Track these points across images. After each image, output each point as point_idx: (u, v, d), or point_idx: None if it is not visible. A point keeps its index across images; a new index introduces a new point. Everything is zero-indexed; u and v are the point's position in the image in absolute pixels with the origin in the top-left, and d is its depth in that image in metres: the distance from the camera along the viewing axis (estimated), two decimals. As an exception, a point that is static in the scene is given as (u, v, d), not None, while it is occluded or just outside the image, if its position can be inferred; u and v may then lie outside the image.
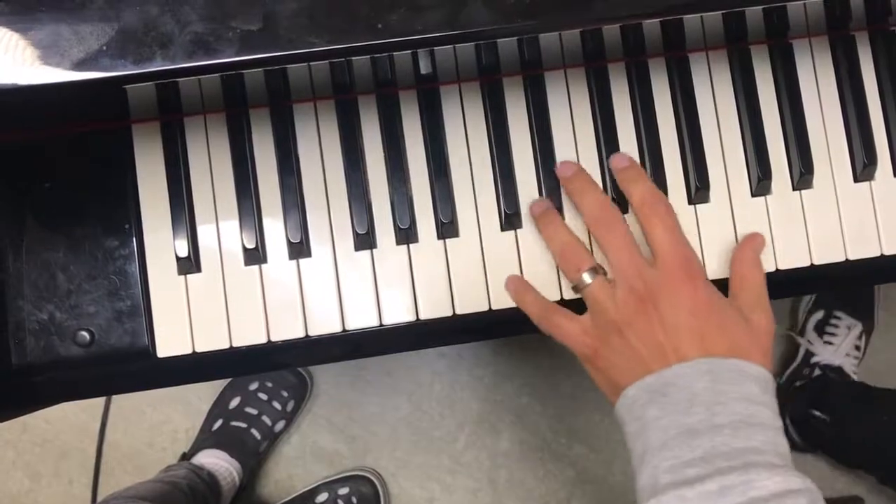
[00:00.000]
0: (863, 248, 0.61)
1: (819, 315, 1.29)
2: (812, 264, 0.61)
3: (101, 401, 1.35)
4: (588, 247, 0.59)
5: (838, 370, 1.26)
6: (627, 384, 0.53)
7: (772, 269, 0.60)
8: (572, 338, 0.57)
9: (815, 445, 1.28)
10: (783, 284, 0.61)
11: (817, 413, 1.22)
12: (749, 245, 0.59)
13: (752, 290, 0.57)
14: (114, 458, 1.36)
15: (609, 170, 0.60)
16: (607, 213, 0.57)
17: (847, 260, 0.61)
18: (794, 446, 1.04)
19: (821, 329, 1.29)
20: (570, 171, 0.59)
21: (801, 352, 1.30)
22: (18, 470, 1.36)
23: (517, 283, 0.60)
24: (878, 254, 0.61)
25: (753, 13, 0.60)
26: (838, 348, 1.26)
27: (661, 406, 0.51)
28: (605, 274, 0.57)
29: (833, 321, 1.28)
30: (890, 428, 1.13)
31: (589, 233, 0.60)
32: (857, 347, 1.28)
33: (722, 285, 0.58)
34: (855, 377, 1.27)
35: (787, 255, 0.61)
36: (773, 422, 0.51)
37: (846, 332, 1.27)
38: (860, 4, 0.61)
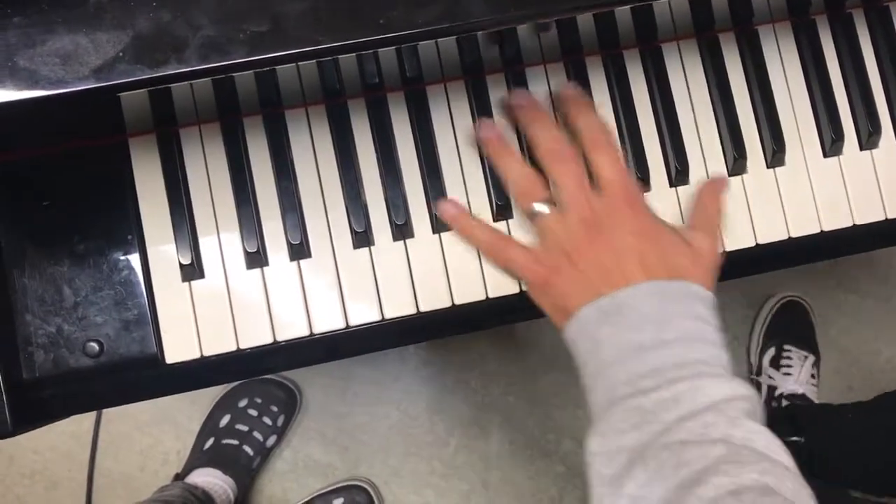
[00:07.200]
0: (836, 220, 0.64)
1: (771, 352, 1.37)
2: (790, 237, 0.64)
3: (89, 428, 1.34)
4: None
5: (802, 397, 1.32)
6: (579, 307, 0.56)
7: (751, 244, 0.63)
8: (525, 267, 0.59)
9: None
10: (764, 259, 0.64)
11: (792, 439, 1.26)
12: (715, 183, 0.63)
13: (704, 213, 0.61)
14: (105, 484, 1.35)
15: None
16: (559, 146, 0.59)
17: (822, 231, 0.64)
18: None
19: (776, 364, 1.36)
20: (524, 101, 0.61)
21: (765, 389, 1.36)
22: (8, 504, 1.35)
23: (461, 214, 0.60)
24: (851, 224, 0.64)
25: (720, 2, 0.63)
26: (798, 377, 1.33)
27: (614, 324, 0.54)
28: (555, 205, 0.59)
29: (785, 354, 1.35)
30: (855, 429, 1.17)
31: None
32: (813, 376, 1.35)
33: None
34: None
35: (765, 229, 0.64)
36: (717, 338, 0.55)
37: (800, 362, 1.34)
38: (818, -10, 0.65)
